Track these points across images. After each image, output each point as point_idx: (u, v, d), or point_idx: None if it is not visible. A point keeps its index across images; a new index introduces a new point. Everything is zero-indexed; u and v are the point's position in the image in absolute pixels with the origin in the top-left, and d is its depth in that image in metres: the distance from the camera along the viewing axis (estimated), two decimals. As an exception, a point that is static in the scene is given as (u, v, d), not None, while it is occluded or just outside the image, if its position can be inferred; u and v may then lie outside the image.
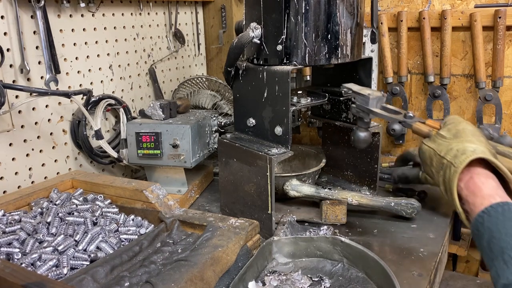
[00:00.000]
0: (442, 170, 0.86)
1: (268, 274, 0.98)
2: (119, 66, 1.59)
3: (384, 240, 1.16)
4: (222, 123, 1.55)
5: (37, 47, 1.28)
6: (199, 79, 1.75)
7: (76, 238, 0.98)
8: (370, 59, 1.28)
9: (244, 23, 1.22)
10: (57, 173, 1.37)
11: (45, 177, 1.33)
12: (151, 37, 1.73)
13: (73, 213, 1.07)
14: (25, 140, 1.27)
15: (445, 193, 0.87)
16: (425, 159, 0.92)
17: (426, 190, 1.41)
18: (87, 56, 1.45)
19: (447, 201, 1.36)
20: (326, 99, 1.26)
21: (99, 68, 1.51)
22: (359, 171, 1.40)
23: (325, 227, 1.18)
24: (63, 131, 1.39)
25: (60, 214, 1.05)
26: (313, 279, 0.98)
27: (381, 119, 1.74)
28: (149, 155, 1.35)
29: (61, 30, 1.35)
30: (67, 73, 1.39)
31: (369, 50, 1.69)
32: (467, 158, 0.81)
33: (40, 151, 1.32)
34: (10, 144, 1.24)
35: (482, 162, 0.83)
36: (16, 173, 1.26)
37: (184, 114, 1.47)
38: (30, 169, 1.29)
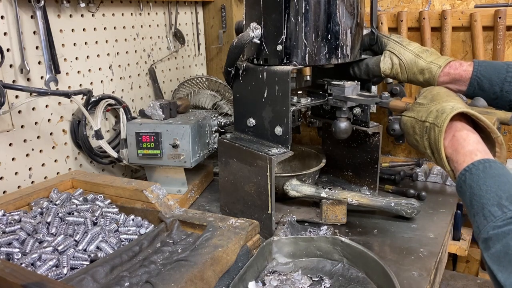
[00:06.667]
0: (426, 133, 0.88)
1: (268, 274, 0.98)
2: (119, 66, 1.59)
3: (384, 240, 1.16)
4: (222, 123, 1.55)
5: (37, 47, 1.28)
6: (199, 79, 1.75)
7: (76, 238, 0.98)
8: (370, 59, 1.28)
9: (244, 23, 1.22)
10: (57, 173, 1.37)
11: (45, 177, 1.33)
12: (151, 37, 1.73)
13: (73, 213, 1.07)
14: (25, 140, 1.27)
15: (432, 155, 0.89)
16: (407, 129, 0.95)
17: (426, 191, 1.41)
18: (87, 56, 1.45)
19: (446, 202, 1.37)
20: (326, 99, 1.26)
21: (99, 68, 1.51)
22: (359, 171, 1.40)
23: (325, 227, 1.18)
24: (63, 131, 1.40)
25: (60, 214, 1.05)
26: (313, 279, 0.98)
27: (382, 119, 1.74)
28: (149, 155, 1.35)
29: (61, 30, 1.35)
30: (67, 73, 1.39)
31: (369, 50, 1.68)
32: (448, 115, 0.84)
33: (40, 151, 1.32)
34: (10, 144, 1.24)
35: (462, 119, 0.86)
36: (16, 173, 1.26)
37: (184, 114, 1.47)
38: (30, 169, 1.29)
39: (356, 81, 1.21)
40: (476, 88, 1.08)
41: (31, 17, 1.25)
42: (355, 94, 1.17)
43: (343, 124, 1.21)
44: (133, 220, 1.09)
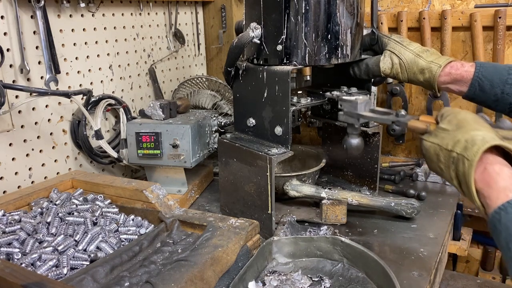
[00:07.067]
0: (453, 164, 0.81)
1: (268, 274, 0.98)
2: (119, 66, 1.59)
3: (384, 240, 1.16)
4: (222, 123, 1.55)
5: (37, 47, 1.28)
6: (199, 79, 1.75)
7: (76, 238, 0.98)
8: (370, 59, 1.28)
9: (244, 23, 1.22)
10: (57, 173, 1.37)
11: (45, 177, 1.33)
12: (151, 37, 1.73)
13: (73, 213, 1.07)
14: (25, 140, 1.27)
15: (459, 186, 0.82)
16: (430, 156, 0.87)
17: (426, 191, 1.41)
18: (87, 56, 1.45)
19: (446, 202, 1.37)
20: (326, 99, 1.26)
21: (99, 68, 1.51)
22: (359, 171, 1.40)
23: (325, 227, 1.18)
24: (63, 131, 1.40)
25: (60, 214, 1.05)
26: (313, 279, 0.98)
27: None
28: (149, 155, 1.35)
29: (61, 30, 1.35)
30: (67, 73, 1.39)
31: (369, 50, 1.68)
32: (480, 148, 0.77)
33: (40, 151, 1.32)
34: (10, 144, 1.24)
35: (493, 150, 0.79)
36: (16, 173, 1.26)
37: (184, 114, 1.47)
38: (30, 169, 1.29)
39: (368, 95, 1.16)
40: (477, 89, 1.07)
41: (31, 17, 1.25)
42: (368, 110, 1.08)
43: (355, 141, 1.11)
44: (133, 220, 1.09)
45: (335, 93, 1.19)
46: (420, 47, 1.17)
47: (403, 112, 0.97)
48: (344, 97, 1.11)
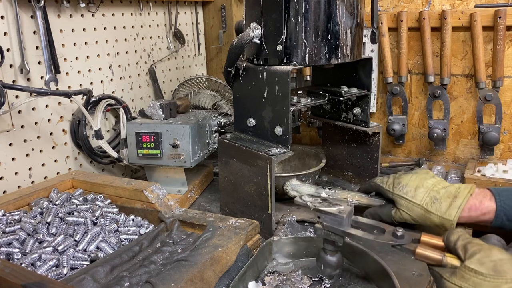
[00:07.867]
0: None
1: (268, 274, 0.98)
2: (119, 66, 1.59)
3: (384, 240, 1.15)
4: (222, 123, 1.55)
5: (37, 47, 1.28)
6: (199, 79, 1.75)
7: (76, 238, 0.98)
8: (370, 59, 1.28)
9: (244, 23, 1.22)
10: (57, 173, 1.37)
11: (45, 177, 1.33)
12: (151, 37, 1.73)
13: (73, 213, 1.07)
14: (25, 140, 1.27)
15: None
16: None
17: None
18: (87, 56, 1.45)
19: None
20: (326, 99, 1.26)
21: (99, 68, 1.51)
22: (359, 171, 1.40)
23: (325, 227, 1.18)
24: (63, 131, 1.40)
25: (60, 214, 1.05)
26: (313, 279, 0.98)
27: (382, 119, 1.74)
28: (149, 155, 1.35)
29: (61, 30, 1.35)
30: (67, 73, 1.39)
31: (369, 50, 1.69)
32: None
33: (40, 151, 1.32)
34: (10, 144, 1.24)
35: None
36: (16, 173, 1.26)
37: (184, 114, 1.48)
38: (30, 169, 1.29)
39: (349, 201, 0.95)
40: (503, 219, 1.00)
41: (31, 17, 1.25)
42: (351, 222, 0.88)
43: (334, 259, 0.91)
44: (133, 220, 1.09)
45: (307, 199, 0.94)
46: (428, 196, 1.05)
47: (400, 231, 0.82)
48: (322, 208, 0.87)
